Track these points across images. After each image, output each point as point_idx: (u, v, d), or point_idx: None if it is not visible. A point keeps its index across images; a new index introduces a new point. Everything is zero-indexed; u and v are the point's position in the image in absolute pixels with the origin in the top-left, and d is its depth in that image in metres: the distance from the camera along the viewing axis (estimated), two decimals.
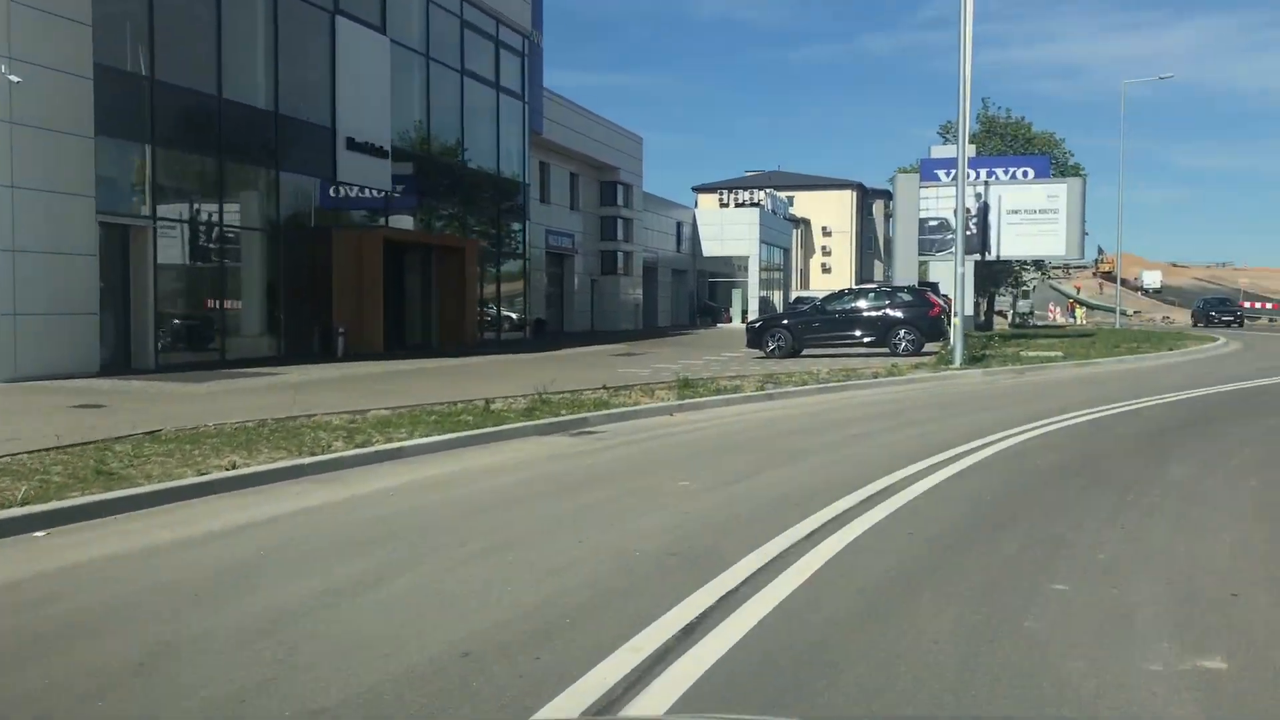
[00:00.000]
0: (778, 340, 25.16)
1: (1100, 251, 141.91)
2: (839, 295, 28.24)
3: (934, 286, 32.36)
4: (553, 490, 8.16)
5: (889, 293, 27.02)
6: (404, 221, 27.69)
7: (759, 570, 5.38)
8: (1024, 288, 61.15)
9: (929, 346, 24.47)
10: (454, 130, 29.86)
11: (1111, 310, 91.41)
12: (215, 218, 21.20)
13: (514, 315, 34.74)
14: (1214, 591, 4.98)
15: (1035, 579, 5.22)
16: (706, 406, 14.21)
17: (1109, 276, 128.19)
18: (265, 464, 8.83)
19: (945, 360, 21.43)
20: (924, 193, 34.04)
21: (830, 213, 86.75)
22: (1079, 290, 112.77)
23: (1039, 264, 54.42)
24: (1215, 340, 31.44)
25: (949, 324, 24.35)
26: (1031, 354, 24.61)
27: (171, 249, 20.32)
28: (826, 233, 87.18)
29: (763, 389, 15.98)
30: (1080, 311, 76.05)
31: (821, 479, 8.31)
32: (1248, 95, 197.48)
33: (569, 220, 41.81)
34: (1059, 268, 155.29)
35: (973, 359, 22.08)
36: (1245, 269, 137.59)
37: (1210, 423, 11.87)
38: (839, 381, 17.17)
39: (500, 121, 31.80)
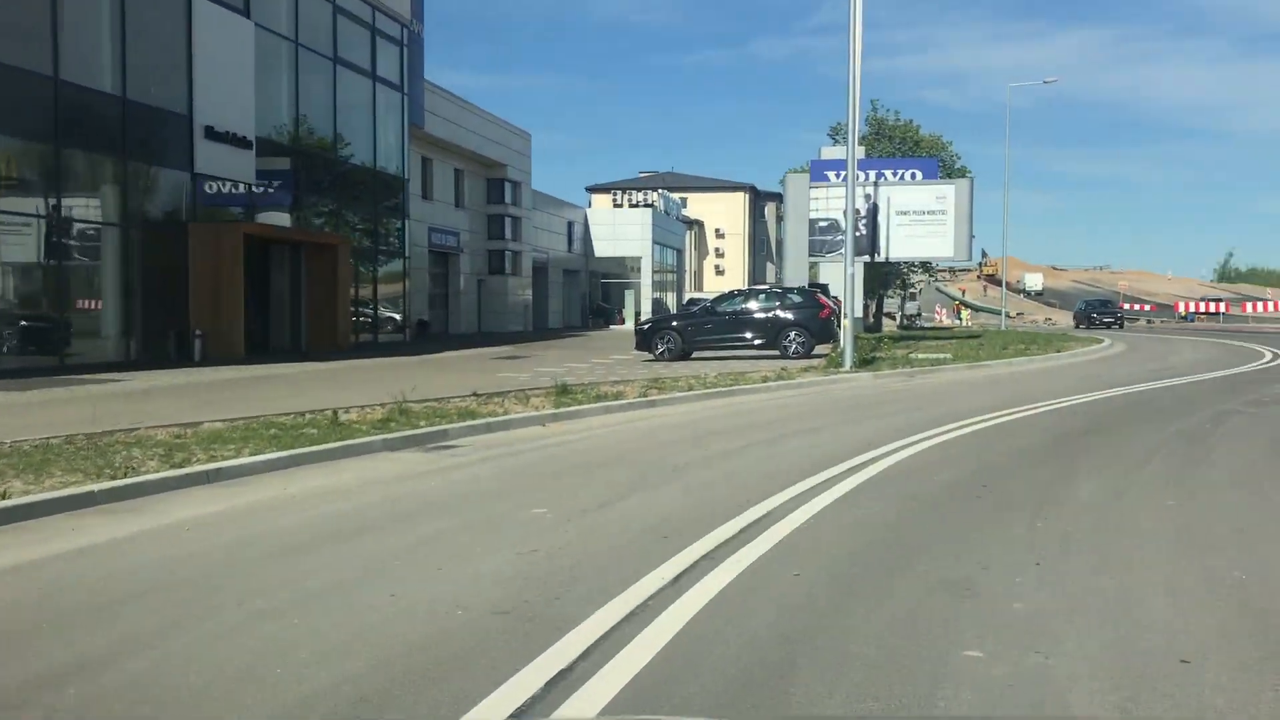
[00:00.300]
0: (667, 342, 24.25)
1: (984, 255, 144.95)
2: (730, 296, 27.42)
3: (824, 288, 31.74)
4: (383, 522, 6.94)
5: (780, 294, 26.33)
6: (280, 219, 25.95)
7: (606, 635, 4.28)
8: (912, 290, 61.52)
9: (820, 349, 23.86)
10: (327, 122, 28.24)
11: (996, 312, 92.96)
12: (57, 211, 19.34)
13: (396, 316, 33.17)
14: (1159, 657, 4.02)
15: (943, 642, 4.21)
16: (584, 415, 13.09)
17: (993, 279, 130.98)
18: (47, 491, 7.44)
19: (835, 363, 20.71)
20: (814, 193, 33.50)
21: (723, 215, 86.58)
22: (964, 293, 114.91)
23: (926, 266, 54.63)
24: (1101, 342, 31.49)
25: (839, 326, 23.78)
26: (921, 356, 24.09)
27: (5, 245, 18.48)
28: (720, 235, 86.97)
29: (646, 395, 14.94)
30: (965, 314, 77.04)
31: (696, 502, 7.25)
32: (1122, 104, 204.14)
33: (454, 218, 40.33)
34: (945, 270, 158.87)
35: (863, 362, 21.43)
36: (1122, 272, 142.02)
37: (1112, 431, 11.18)
38: (726, 386, 16.22)
39: (378, 114, 30.26)
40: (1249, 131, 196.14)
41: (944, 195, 33.39)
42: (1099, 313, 54.53)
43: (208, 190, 22.78)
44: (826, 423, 12.26)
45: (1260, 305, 64.99)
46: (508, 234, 43.21)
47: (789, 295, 26.01)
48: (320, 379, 17.94)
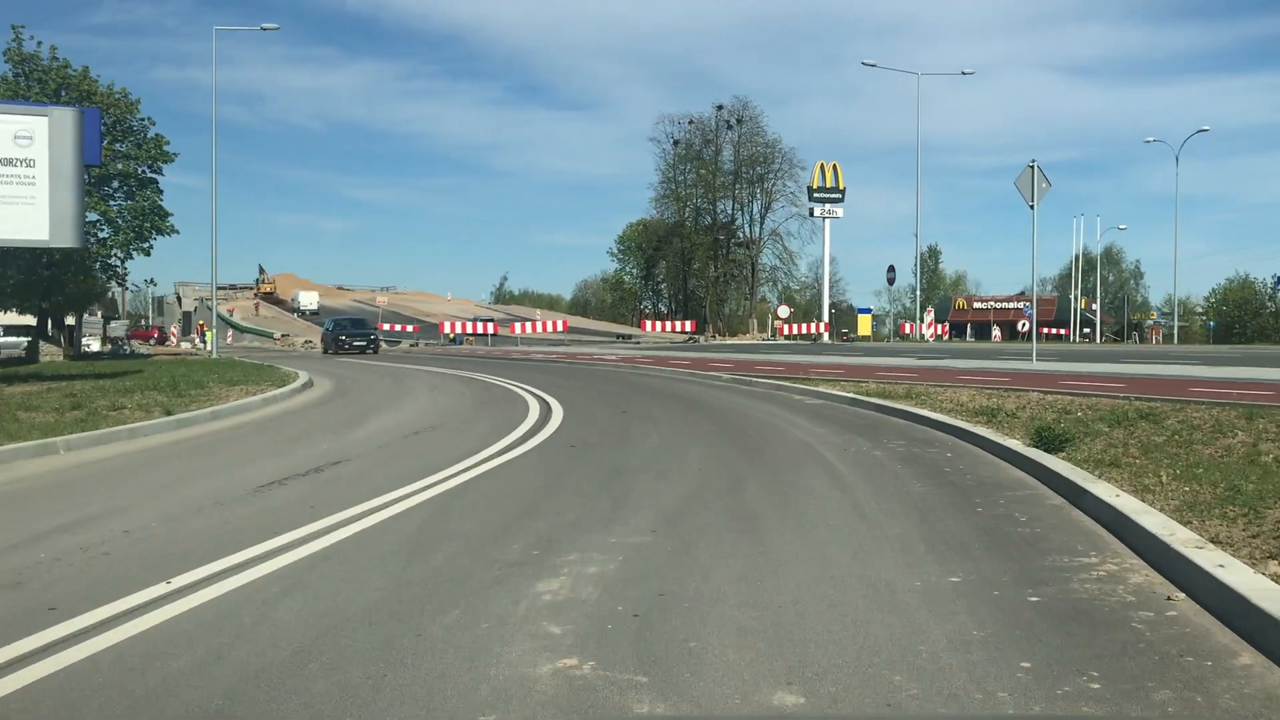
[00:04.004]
0: None
1: (261, 270, 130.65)
2: None
3: None
4: None
5: None
6: None
7: None
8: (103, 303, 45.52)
9: None
10: None
11: (266, 334, 79.31)
12: None
13: None
14: None
15: None
16: None
17: (270, 298, 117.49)
18: None
19: None
20: None
21: None
22: (232, 313, 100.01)
23: (92, 271, 38.77)
24: (296, 379, 19.16)
25: None
26: None
27: None
28: None
29: None
30: (210, 334, 61.93)
31: None
32: (412, 137, 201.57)
33: None
34: (225, 287, 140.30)
35: None
36: (406, 293, 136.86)
37: None
38: None
39: None
40: (521, 170, 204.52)
41: (30, 134, 18.85)
42: (349, 334, 43.16)
43: None
44: None
45: (529, 325, 59.10)
46: None
47: None
48: None
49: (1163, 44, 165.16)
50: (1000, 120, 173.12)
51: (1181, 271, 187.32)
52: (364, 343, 42.27)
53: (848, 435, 11.02)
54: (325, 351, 43.75)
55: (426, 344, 55.41)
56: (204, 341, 59.37)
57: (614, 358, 30.68)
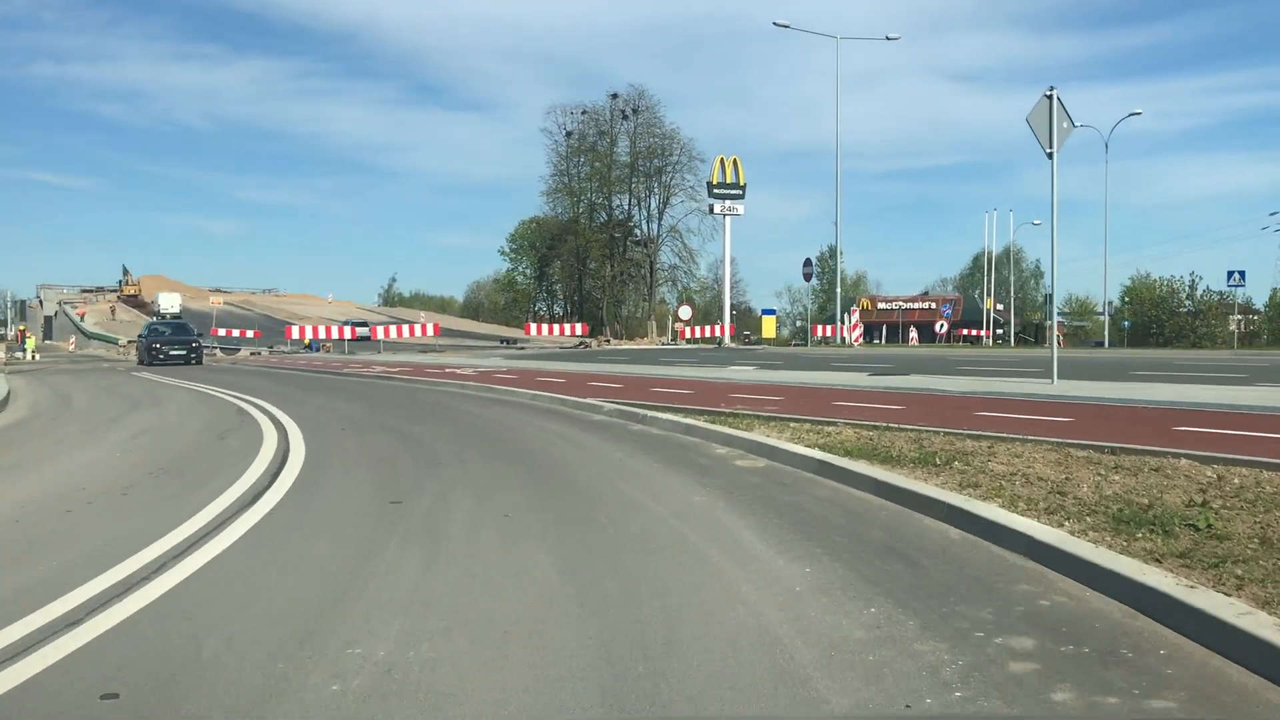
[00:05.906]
0: None
1: (125, 271, 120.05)
2: None
3: None
4: None
5: None
6: None
7: None
8: None
9: None
10: None
11: (111, 340, 69.96)
12: None
13: None
14: None
15: None
16: None
17: (133, 300, 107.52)
18: None
19: None
20: None
21: None
22: (83, 317, 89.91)
23: None
24: None
25: None
26: None
27: None
28: None
29: None
30: (33, 342, 52.94)
31: None
32: (304, 137, 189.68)
33: None
34: (92, 290, 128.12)
35: None
36: (286, 295, 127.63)
37: None
38: None
39: None
40: (416, 171, 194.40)
41: None
42: (165, 342, 35.19)
43: None
44: None
45: (393, 330, 51.42)
46: None
47: None
48: None
49: (1048, 52, 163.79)
50: (891, 126, 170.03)
51: (1065, 273, 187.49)
52: (184, 352, 34.48)
53: (861, 596, 4.44)
54: (140, 362, 35.81)
55: (271, 351, 47.52)
56: (22, 351, 50.38)
57: (468, 372, 23.68)
